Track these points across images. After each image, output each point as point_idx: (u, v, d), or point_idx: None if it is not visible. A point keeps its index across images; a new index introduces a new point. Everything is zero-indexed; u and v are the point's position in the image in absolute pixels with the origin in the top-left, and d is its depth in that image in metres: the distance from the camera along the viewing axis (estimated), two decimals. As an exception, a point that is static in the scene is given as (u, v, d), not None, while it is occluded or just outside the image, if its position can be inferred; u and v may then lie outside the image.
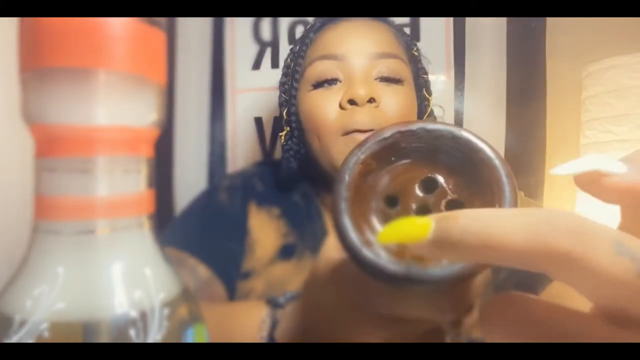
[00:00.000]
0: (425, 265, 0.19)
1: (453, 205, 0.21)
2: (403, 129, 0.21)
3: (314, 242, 0.56)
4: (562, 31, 0.81)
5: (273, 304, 0.36)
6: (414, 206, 0.21)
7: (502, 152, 0.80)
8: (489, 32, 0.82)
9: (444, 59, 0.83)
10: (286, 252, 0.55)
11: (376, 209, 0.22)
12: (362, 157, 0.21)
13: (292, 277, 0.54)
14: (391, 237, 0.16)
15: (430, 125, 0.21)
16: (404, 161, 0.22)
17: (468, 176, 0.21)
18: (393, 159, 0.22)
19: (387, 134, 0.21)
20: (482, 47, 0.83)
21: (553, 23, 0.80)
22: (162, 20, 0.16)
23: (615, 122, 0.69)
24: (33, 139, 0.15)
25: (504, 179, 0.19)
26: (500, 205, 0.19)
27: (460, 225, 0.14)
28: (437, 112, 0.59)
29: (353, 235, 0.20)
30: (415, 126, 0.21)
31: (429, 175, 0.22)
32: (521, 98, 0.82)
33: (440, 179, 0.21)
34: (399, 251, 0.20)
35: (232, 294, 0.54)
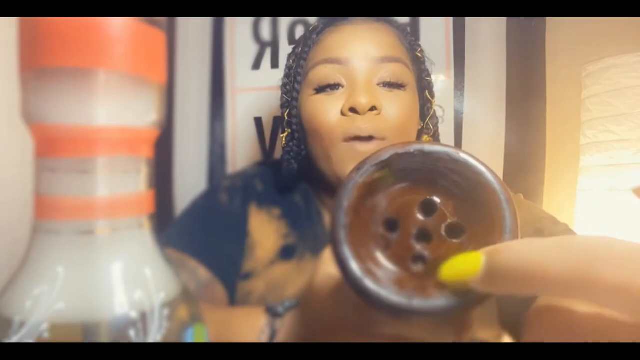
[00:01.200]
0: (427, 296, 0.19)
1: (453, 228, 0.21)
2: (400, 151, 0.21)
3: (314, 243, 0.55)
4: (562, 31, 0.81)
5: (272, 312, 0.36)
6: (413, 230, 0.21)
7: (502, 152, 0.81)
8: (489, 32, 0.82)
9: (444, 59, 0.83)
10: (286, 253, 0.55)
11: (375, 234, 0.21)
12: (360, 180, 0.21)
13: (292, 278, 0.54)
14: (452, 275, 0.17)
15: (428, 147, 0.20)
16: (403, 184, 0.21)
17: (467, 199, 0.21)
18: (391, 181, 0.21)
19: (385, 156, 0.21)
20: (482, 47, 0.82)
21: (553, 23, 0.80)
22: (162, 20, 0.16)
23: (615, 122, 0.69)
24: (33, 139, 0.15)
25: (504, 204, 0.19)
26: (500, 231, 0.19)
27: (505, 259, 0.15)
28: (437, 112, 0.58)
29: (354, 265, 0.19)
30: (412, 148, 0.20)
31: (428, 197, 0.21)
32: (521, 98, 0.82)
33: (439, 201, 0.21)
34: (400, 280, 0.20)
35: (233, 295, 0.54)
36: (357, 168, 0.21)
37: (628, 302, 0.13)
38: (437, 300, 0.18)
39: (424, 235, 0.21)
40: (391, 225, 0.21)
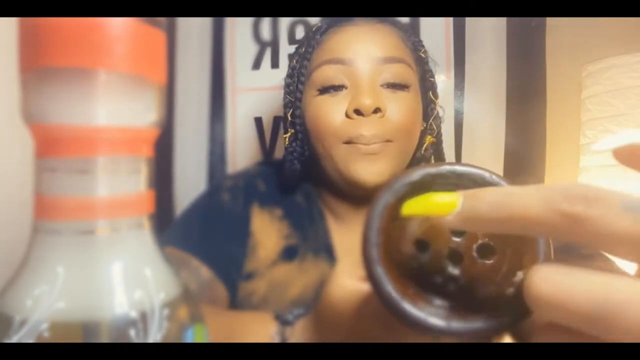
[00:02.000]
0: (464, 318, 0.19)
1: (484, 249, 0.21)
2: (433, 171, 0.20)
3: (316, 244, 0.55)
4: (562, 31, 0.81)
5: (282, 321, 0.36)
6: (445, 251, 0.21)
7: (502, 152, 0.81)
8: (489, 32, 0.82)
9: (444, 59, 0.83)
10: (288, 254, 0.55)
11: (406, 255, 0.21)
12: (392, 200, 0.20)
13: (294, 278, 0.54)
14: (417, 209, 0.18)
15: (460, 169, 0.20)
16: None
17: None
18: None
19: (416, 176, 0.20)
20: (482, 47, 0.83)
21: (553, 23, 0.81)
22: (162, 20, 0.16)
23: (615, 122, 0.69)
24: (33, 139, 0.15)
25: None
26: (532, 253, 0.19)
27: (488, 201, 0.16)
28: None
29: (389, 287, 0.19)
30: (445, 169, 0.20)
31: None
32: (521, 98, 0.82)
33: None
34: (435, 303, 0.20)
35: (234, 296, 0.54)
36: (388, 187, 0.21)
37: (598, 236, 0.14)
38: (476, 323, 0.19)
39: (456, 257, 0.21)
40: (422, 245, 0.21)
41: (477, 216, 0.16)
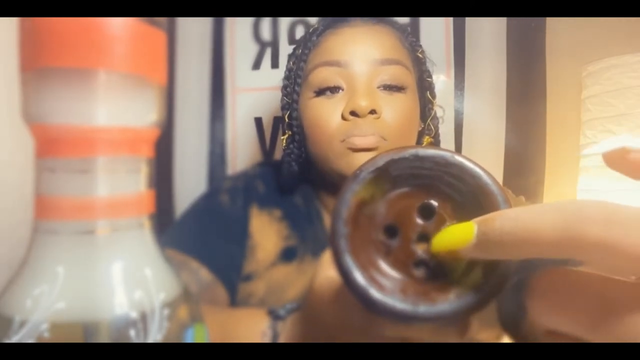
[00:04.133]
0: (432, 301, 0.19)
1: None
2: (396, 156, 0.20)
3: (315, 245, 0.55)
4: (562, 31, 0.81)
5: (274, 315, 0.36)
6: (414, 235, 0.21)
7: (502, 152, 0.81)
8: (489, 32, 0.82)
9: (444, 59, 0.83)
10: (287, 255, 0.55)
11: (376, 242, 0.21)
12: (357, 188, 0.21)
13: (293, 279, 0.54)
14: (443, 245, 0.18)
15: (423, 152, 0.20)
16: (400, 189, 0.21)
17: (465, 201, 0.21)
18: (388, 187, 0.21)
19: (380, 162, 0.21)
20: (482, 47, 0.82)
21: (553, 23, 0.80)
22: (162, 20, 0.16)
23: (615, 122, 0.69)
24: (33, 139, 0.15)
25: (502, 206, 0.19)
26: None
27: (498, 225, 0.15)
28: (437, 112, 0.58)
29: (357, 274, 0.19)
30: (407, 153, 0.20)
31: (426, 201, 0.21)
32: (521, 98, 0.82)
33: (437, 205, 0.21)
34: (403, 286, 0.20)
35: (234, 297, 0.54)
36: (354, 176, 0.21)
37: (614, 261, 0.13)
38: (442, 305, 0.19)
39: (425, 239, 0.21)
40: (391, 231, 0.21)
41: (490, 245, 0.16)
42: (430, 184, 0.21)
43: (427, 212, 0.21)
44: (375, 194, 0.21)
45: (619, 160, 0.18)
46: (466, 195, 0.21)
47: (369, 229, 0.21)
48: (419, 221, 0.21)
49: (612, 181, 0.67)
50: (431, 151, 0.20)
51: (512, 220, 0.15)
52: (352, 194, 0.20)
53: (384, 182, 0.21)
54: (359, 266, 0.20)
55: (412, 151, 0.20)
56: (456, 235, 0.17)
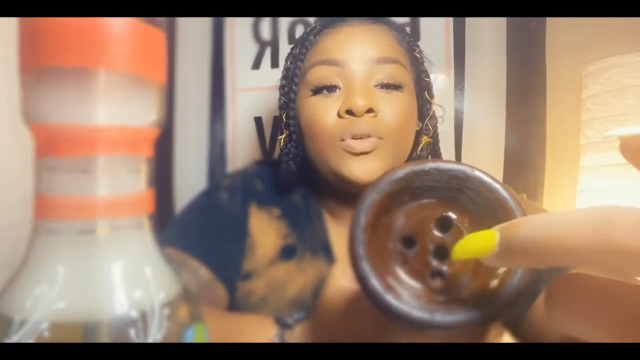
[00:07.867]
0: (449, 310, 0.19)
1: None
2: (417, 168, 0.21)
3: (314, 243, 0.55)
4: (562, 31, 0.81)
5: (281, 323, 0.36)
6: (431, 246, 0.21)
7: (502, 152, 0.81)
8: (489, 32, 0.82)
9: (444, 59, 0.83)
10: (287, 253, 0.55)
11: (393, 250, 0.21)
12: (377, 198, 0.21)
13: (292, 278, 0.54)
14: (465, 253, 0.17)
15: (444, 165, 0.21)
16: (419, 201, 0.22)
17: (483, 215, 0.21)
18: (407, 198, 0.22)
19: (401, 174, 0.21)
20: (482, 47, 0.82)
21: (553, 23, 0.80)
22: (162, 20, 0.16)
23: (615, 122, 0.69)
24: (33, 139, 0.15)
25: None
26: None
27: (521, 233, 0.15)
28: (436, 111, 0.58)
29: (374, 281, 0.20)
30: (428, 166, 0.21)
31: (444, 214, 0.21)
32: (521, 98, 0.82)
33: (455, 218, 0.21)
34: (420, 295, 0.20)
35: (233, 296, 0.54)
36: (374, 185, 0.21)
37: None
38: (459, 314, 0.19)
39: (442, 251, 0.21)
40: (409, 241, 0.22)
41: (514, 252, 0.15)
42: (449, 197, 0.21)
43: (445, 224, 0.21)
44: (394, 204, 0.21)
45: (636, 151, 0.16)
46: (484, 209, 0.21)
47: (387, 238, 0.21)
48: (437, 233, 0.21)
49: (612, 181, 0.68)
50: (452, 165, 0.21)
51: (537, 227, 0.14)
52: (372, 203, 0.21)
53: (404, 193, 0.21)
54: (376, 273, 0.20)
55: (433, 164, 0.21)
56: (478, 243, 0.17)
